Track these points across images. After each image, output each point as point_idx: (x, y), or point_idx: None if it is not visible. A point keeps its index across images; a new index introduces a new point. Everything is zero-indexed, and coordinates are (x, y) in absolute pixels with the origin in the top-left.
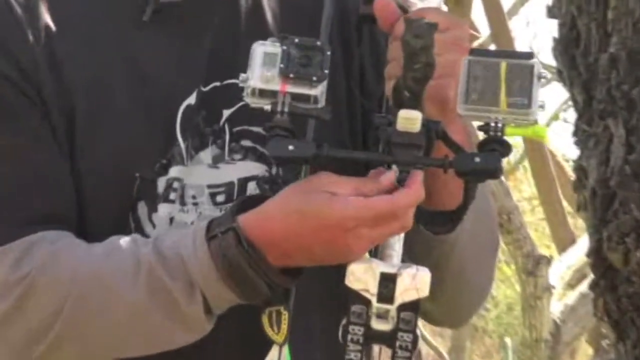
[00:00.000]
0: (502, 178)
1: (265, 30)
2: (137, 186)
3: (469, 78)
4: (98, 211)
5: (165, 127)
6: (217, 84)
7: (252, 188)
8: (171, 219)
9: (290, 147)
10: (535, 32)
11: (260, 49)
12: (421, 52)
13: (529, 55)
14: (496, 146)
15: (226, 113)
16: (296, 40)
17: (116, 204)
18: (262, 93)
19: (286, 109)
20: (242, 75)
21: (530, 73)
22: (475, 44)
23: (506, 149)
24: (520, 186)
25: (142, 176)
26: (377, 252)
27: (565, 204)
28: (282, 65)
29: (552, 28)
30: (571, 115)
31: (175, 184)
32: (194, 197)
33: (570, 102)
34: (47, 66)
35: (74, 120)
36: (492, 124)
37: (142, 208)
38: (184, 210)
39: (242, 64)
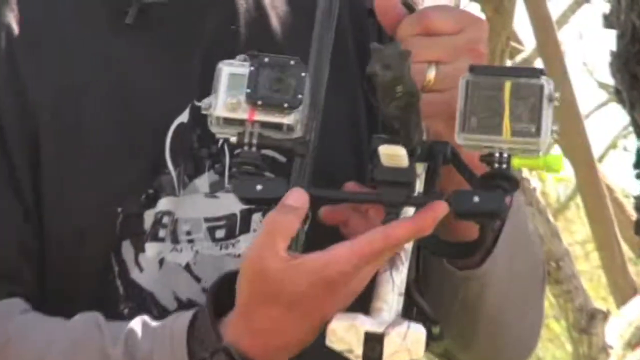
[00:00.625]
0: (551, 218)
1: (268, 32)
2: (120, 223)
3: (467, 101)
4: (73, 255)
5: (152, 150)
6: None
7: (257, 221)
8: (161, 261)
9: (259, 187)
10: (589, 45)
11: (227, 70)
12: (393, 84)
13: (538, 73)
14: (501, 182)
15: None
16: (266, 59)
17: (95, 246)
18: (228, 122)
19: (254, 141)
20: (205, 101)
21: (539, 94)
22: (519, 58)
23: (512, 184)
24: (571, 227)
25: (125, 211)
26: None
27: (625, 248)
28: (249, 90)
29: (609, 40)
30: (632, 142)
31: (165, 219)
32: (188, 232)
33: (630, 128)
34: (7, 86)
35: (39, 147)
36: (496, 155)
37: (126, 248)
38: (176, 249)
39: None
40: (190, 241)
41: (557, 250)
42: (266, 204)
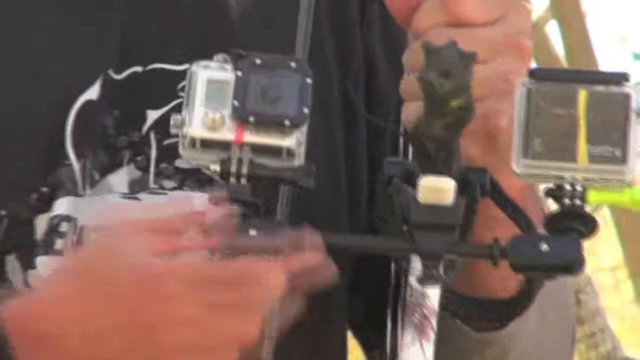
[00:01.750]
0: None
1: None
2: (4, 231)
3: (529, 118)
4: None
5: (48, 135)
6: (138, 69)
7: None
8: None
9: (252, 232)
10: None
11: (203, 75)
12: (451, 96)
13: (621, 78)
14: (574, 223)
15: (152, 115)
16: (257, 60)
17: None
18: (207, 144)
19: (245, 171)
20: (175, 117)
21: (625, 106)
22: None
23: (590, 226)
24: (596, 249)
25: (10, 215)
26: None
27: None
28: (236, 102)
29: None
30: None
31: (64, 226)
32: None
33: None
34: None
35: None
36: (567, 188)
37: (12, 264)
38: None
39: (175, 41)
40: None
41: (578, 280)
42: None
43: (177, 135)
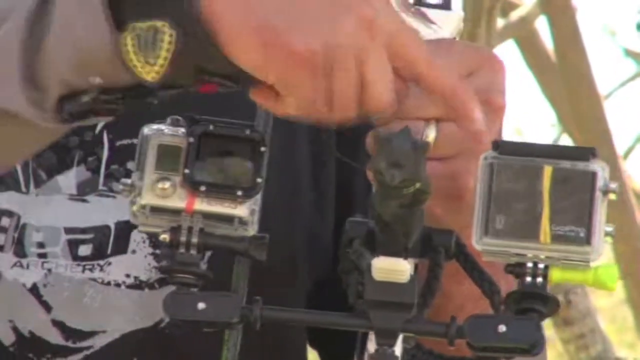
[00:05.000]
0: None
1: None
2: None
3: (491, 192)
4: None
5: None
6: None
7: (138, 238)
8: None
9: (201, 305)
10: None
11: (155, 140)
12: (403, 185)
13: (588, 154)
14: (535, 303)
15: None
16: (210, 126)
17: None
18: (157, 210)
19: (194, 239)
20: (124, 182)
21: (590, 184)
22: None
23: (550, 307)
24: None
25: None
26: None
27: None
28: (187, 170)
29: None
30: None
31: (5, 221)
32: (40, 244)
33: None
34: None
35: None
36: (529, 265)
37: None
38: (21, 265)
39: None
40: (42, 256)
41: None
42: (212, 328)
43: (131, 137)
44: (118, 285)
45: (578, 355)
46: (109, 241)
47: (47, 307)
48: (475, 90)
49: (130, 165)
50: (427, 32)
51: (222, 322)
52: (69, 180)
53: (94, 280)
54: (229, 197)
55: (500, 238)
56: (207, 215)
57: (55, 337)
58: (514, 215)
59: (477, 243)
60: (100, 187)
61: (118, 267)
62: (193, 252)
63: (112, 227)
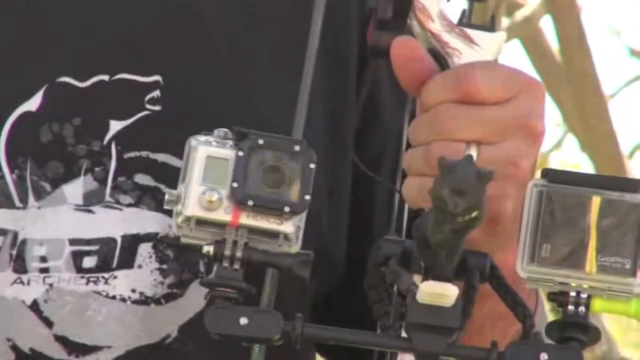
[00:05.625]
0: None
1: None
2: None
3: (538, 220)
4: None
5: None
6: (105, 77)
7: (145, 253)
8: None
9: (243, 321)
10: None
11: (202, 151)
12: (464, 214)
13: (638, 185)
14: (576, 333)
15: (115, 126)
16: (260, 140)
17: None
18: (202, 223)
19: (239, 254)
20: (169, 192)
21: (638, 217)
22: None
23: (592, 337)
24: None
25: None
26: None
27: None
28: (235, 184)
29: None
30: None
31: None
32: (43, 258)
33: None
34: None
35: None
36: (572, 294)
37: None
38: (21, 281)
39: (144, 52)
40: (44, 270)
41: None
42: (253, 343)
43: (139, 150)
44: (124, 300)
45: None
46: (115, 254)
47: (48, 323)
48: (514, 115)
49: (138, 178)
50: (470, 53)
51: (263, 338)
52: (75, 189)
53: (98, 293)
54: (276, 213)
55: (546, 266)
56: (252, 230)
57: (58, 352)
58: (561, 244)
59: (523, 270)
60: (107, 198)
61: (124, 282)
62: (236, 266)
63: (119, 240)
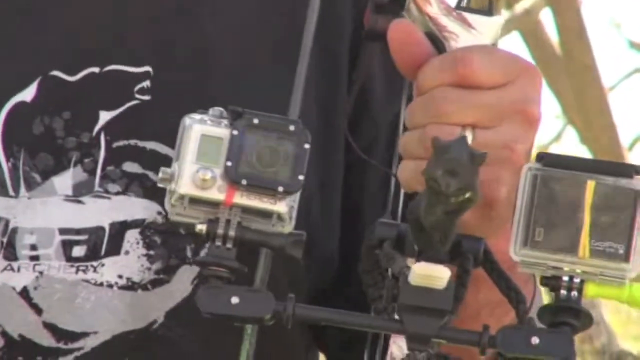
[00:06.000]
0: None
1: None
2: None
3: (532, 204)
4: None
5: None
6: (95, 70)
7: (132, 239)
8: None
9: (234, 300)
10: None
11: (197, 129)
12: (457, 194)
13: (632, 170)
14: (569, 317)
15: (104, 116)
16: (255, 119)
17: None
18: (195, 202)
19: (232, 233)
20: (164, 170)
21: (633, 202)
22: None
23: (583, 321)
24: None
25: None
26: None
27: None
28: (229, 163)
29: None
30: None
31: None
32: (33, 246)
33: None
34: None
35: None
36: (565, 279)
37: None
38: (12, 268)
39: (135, 42)
40: (34, 258)
41: None
42: (245, 323)
43: (128, 138)
44: (110, 286)
45: (582, 347)
46: (103, 242)
47: (38, 310)
48: (511, 100)
49: (126, 166)
50: (467, 37)
51: (254, 317)
52: (65, 181)
53: (87, 281)
54: (270, 193)
55: (538, 250)
56: (245, 210)
57: (46, 339)
58: (554, 228)
59: (516, 254)
60: (96, 188)
61: (111, 268)
62: (229, 245)
63: (107, 228)
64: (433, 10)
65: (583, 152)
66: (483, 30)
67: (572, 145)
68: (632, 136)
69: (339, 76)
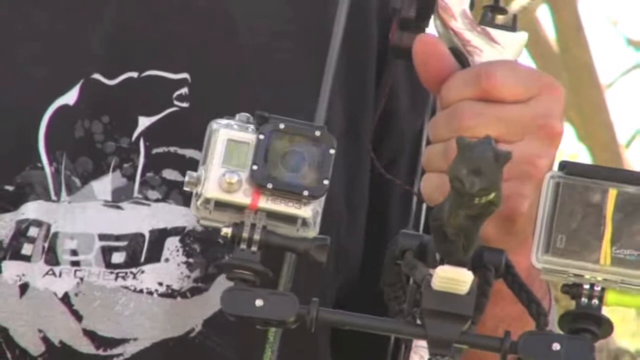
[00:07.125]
0: None
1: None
2: None
3: (554, 212)
4: None
5: (18, 136)
6: (134, 74)
7: (172, 246)
8: (24, 286)
9: (259, 303)
10: None
11: (223, 134)
12: (481, 194)
13: None
14: (589, 324)
15: (144, 122)
16: (281, 124)
17: None
18: (221, 205)
19: (257, 236)
20: (190, 174)
21: None
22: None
23: (603, 329)
24: None
25: None
26: None
27: None
28: (255, 167)
29: None
30: None
31: (33, 231)
32: (73, 252)
33: None
34: None
35: None
36: (586, 287)
37: None
38: (53, 273)
39: (174, 49)
40: (75, 263)
41: None
42: (269, 326)
43: (168, 145)
44: (150, 293)
45: None
46: (143, 249)
47: (78, 317)
48: (533, 115)
49: (166, 173)
50: (491, 52)
51: (278, 320)
52: (104, 186)
53: (127, 288)
54: (295, 197)
55: (560, 257)
56: (270, 214)
57: (86, 346)
58: (576, 236)
59: (537, 261)
60: (135, 194)
61: (151, 275)
62: (254, 249)
63: (147, 235)
64: (458, 25)
65: (580, 149)
66: (506, 45)
67: (570, 143)
68: (630, 133)
69: (366, 89)
